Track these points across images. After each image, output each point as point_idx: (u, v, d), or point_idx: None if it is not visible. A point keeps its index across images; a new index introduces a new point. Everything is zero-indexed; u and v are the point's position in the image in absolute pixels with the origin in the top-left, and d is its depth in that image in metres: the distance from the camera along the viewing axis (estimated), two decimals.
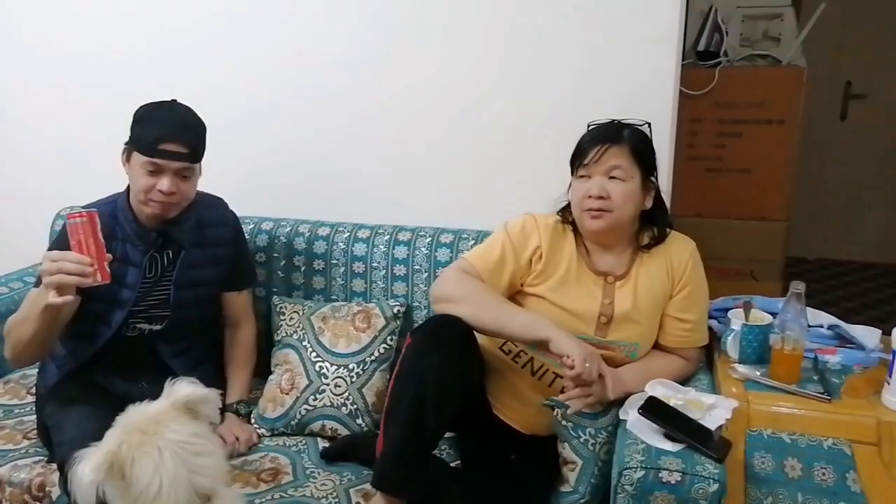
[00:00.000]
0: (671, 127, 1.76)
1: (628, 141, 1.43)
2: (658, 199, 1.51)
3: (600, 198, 1.41)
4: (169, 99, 1.57)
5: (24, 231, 2.19)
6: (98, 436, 1.38)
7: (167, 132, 1.49)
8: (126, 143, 1.57)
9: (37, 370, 1.71)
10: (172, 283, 1.62)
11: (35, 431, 1.64)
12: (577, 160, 1.45)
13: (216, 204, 1.74)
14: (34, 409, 1.68)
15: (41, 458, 1.56)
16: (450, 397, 1.32)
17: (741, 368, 1.43)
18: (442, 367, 1.30)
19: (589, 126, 1.50)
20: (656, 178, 1.49)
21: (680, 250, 1.50)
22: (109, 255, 1.39)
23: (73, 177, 2.17)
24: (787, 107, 2.58)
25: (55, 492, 1.47)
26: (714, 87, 2.56)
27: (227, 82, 2.03)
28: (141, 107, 1.55)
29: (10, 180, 2.32)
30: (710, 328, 1.57)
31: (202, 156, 1.58)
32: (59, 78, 2.19)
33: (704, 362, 1.58)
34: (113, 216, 1.59)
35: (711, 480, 1.17)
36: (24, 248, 2.07)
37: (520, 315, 1.41)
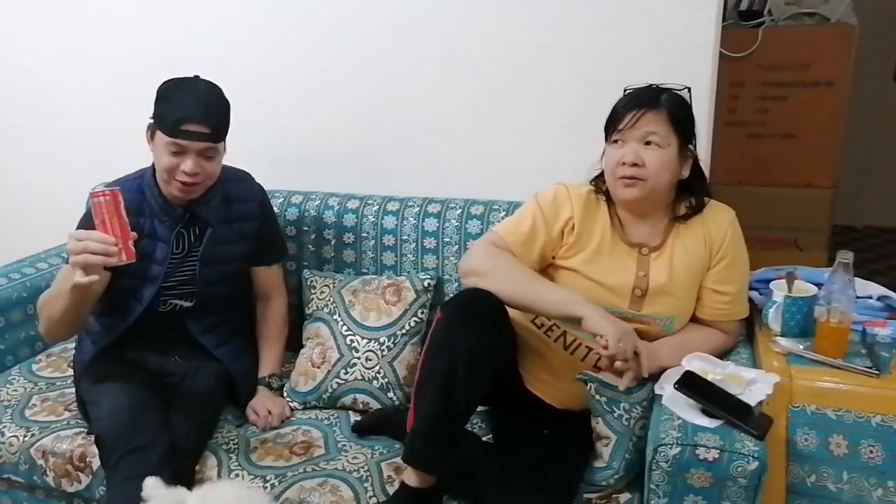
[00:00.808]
0: (710, 91, 1.69)
1: (666, 106, 1.37)
2: (696, 167, 1.44)
3: (634, 165, 1.35)
4: (192, 75, 1.55)
5: (53, 209, 2.19)
6: (130, 411, 1.42)
7: (189, 112, 1.47)
8: (150, 120, 1.56)
9: (74, 345, 1.75)
10: (198, 259, 1.62)
11: (75, 404, 1.67)
12: (612, 125, 1.40)
13: (242, 178, 1.73)
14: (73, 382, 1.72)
15: (82, 429, 1.59)
16: (481, 373, 1.30)
17: (783, 342, 1.38)
18: (473, 342, 1.27)
19: (625, 91, 1.44)
20: (695, 146, 1.43)
21: (718, 220, 1.44)
22: (135, 234, 1.39)
23: (104, 151, 2.18)
24: (836, 68, 2.46)
25: (95, 462, 1.50)
26: (757, 48, 2.46)
27: (258, 55, 2.01)
28: (163, 83, 1.53)
29: (42, 157, 2.34)
30: (750, 300, 1.51)
31: (225, 135, 1.56)
32: (88, 54, 2.19)
33: (745, 335, 1.52)
34: (140, 192, 1.60)
35: (751, 458, 1.13)
36: (58, 225, 2.09)
37: (551, 291, 1.37)
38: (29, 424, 1.63)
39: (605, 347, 1.25)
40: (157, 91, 1.53)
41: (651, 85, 1.42)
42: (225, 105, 1.55)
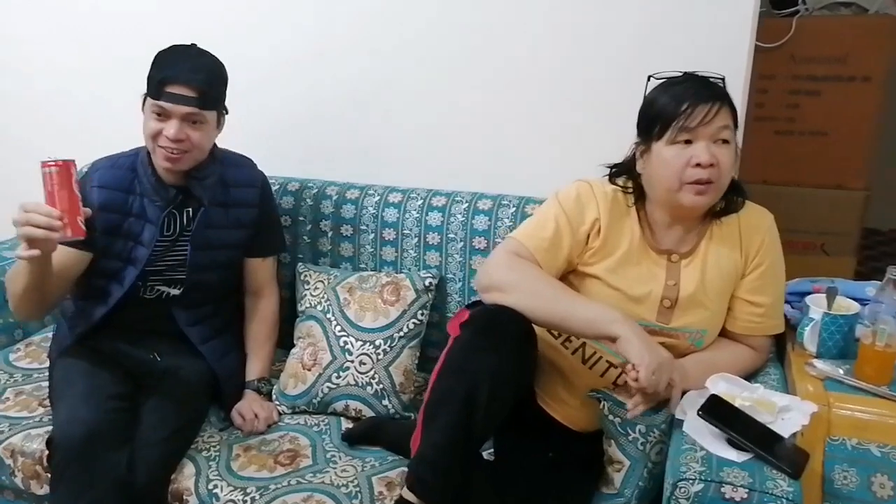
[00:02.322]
0: (745, 83, 1.56)
1: (727, 97, 1.23)
2: None
3: (711, 166, 1.20)
4: (189, 43, 1.48)
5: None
6: (89, 424, 1.33)
7: (175, 74, 1.41)
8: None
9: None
10: (189, 241, 1.53)
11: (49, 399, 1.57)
12: (675, 121, 1.20)
13: (243, 163, 1.64)
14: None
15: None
16: (503, 403, 1.17)
17: (821, 364, 1.24)
18: (498, 370, 1.14)
19: (652, 78, 1.29)
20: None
21: (755, 224, 1.31)
22: (88, 210, 1.30)
23: (96, 131, 2.07)
24: (874, 62, 2.32)
25: None
26: (790, 39, 2.32)
27: (255, 37, 1.90)
28: (160, 51, 1.46)
29: (29, 135, 2.24)
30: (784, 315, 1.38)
31: (215, 103, 1.48)
32: (81, 29, 2.09)
33: (774, 353, 1.39)
34: (132, 169, 1.53)
35: (785, 500, 0.99)
36: None
37: (584, 308, 1.21)
38: None
39: (636, 379, 1.11)
40: (153, 58, 1.47)
41: (687, 73, 1.27)
42: (217, 71, 1.48)
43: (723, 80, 1.28)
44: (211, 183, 1.53)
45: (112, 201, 1.51)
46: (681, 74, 1.27)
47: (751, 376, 1.30)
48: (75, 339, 1.54)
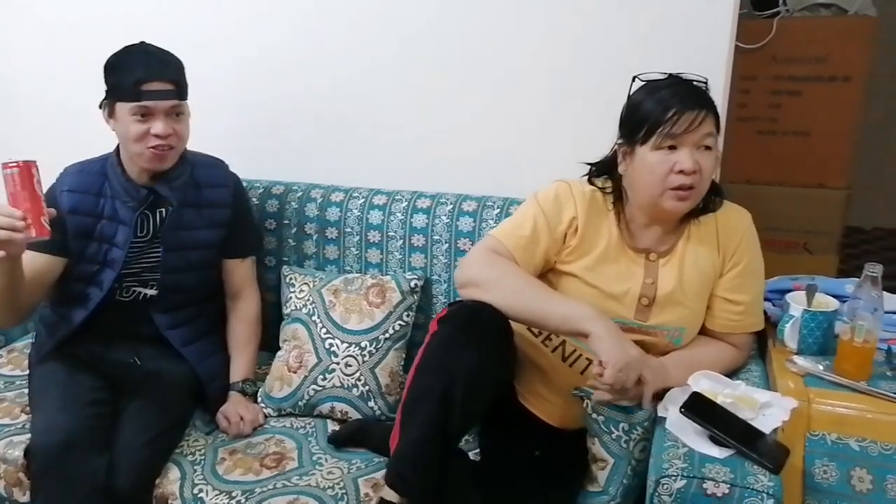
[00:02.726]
0: (725, 84, 1.57)
1: (712, 103, 1.24)
2: None
3: (693, 173, 1.20)
4: (137, 42, 1.48)
5: None
6: (67, 431, 1.33)
7: (148, 72, 1.41)
8: (104, 98, 1.46)
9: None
10: (160, 243, 1.53)
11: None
12: (660, 127, 1.21)
13: (215, 164, 1.64)
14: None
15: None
16: (480, 399, 1.18)
17: (801, 361, 1.26)
18: (476, 366, 1.15)
19: (637, 79, 1.30)
20: None
21: (733, 223, 1.32)
22: (52, 211, 1.30)
23: (69, 140, 2.05)
24: (854, 62, 2.35)
25: None
26: (771, 40, 2.34)
27: (239, 40, 1.89)
28: (111, 56, 1.45)
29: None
30: (763, 313, 1.39)
31: (187, 92, 1.49)
32: (57, 38, 2.07)
33: (756, 351, 1.40)
34: (102, 174, 1.53)
35: (765, 495, 1.00)
36: None
37: (559, 304, 1.23)
38: None
39: (602, 375, 1.13)
40: (105, 66, 1.45)
41: (670, 75, 1.27)
42: (179, 62, 1.49)
43: (706, 82, 1.29)
44: (179, 184, 1.53)
45: (82, 204, 1.51)
46: (665, 76, 1.27)
47: (732, 373, 1.31)
48: (55, 344, 1.53)
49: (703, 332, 1.36)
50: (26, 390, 1.62)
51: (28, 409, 1.56)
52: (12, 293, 1.41)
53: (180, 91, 1.45)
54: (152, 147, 1.44)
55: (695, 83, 1.26)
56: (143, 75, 1.40)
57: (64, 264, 1.51)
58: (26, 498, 1.43)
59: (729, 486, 1.02)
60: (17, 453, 1.44)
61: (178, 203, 1.53)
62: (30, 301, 1.49)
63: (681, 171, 1.20)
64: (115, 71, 1.43)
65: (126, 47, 1.46)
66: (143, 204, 1.51)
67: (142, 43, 1.47)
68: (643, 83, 1.29)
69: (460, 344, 1.17)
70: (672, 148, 1.21)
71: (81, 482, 1.28)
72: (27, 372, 1.70)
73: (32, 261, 1.39)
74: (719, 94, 1.53)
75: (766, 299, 1.42)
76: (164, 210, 1.54)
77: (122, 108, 1.43)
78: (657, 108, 1.22)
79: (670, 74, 1.27)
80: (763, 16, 2.40)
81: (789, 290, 1.41)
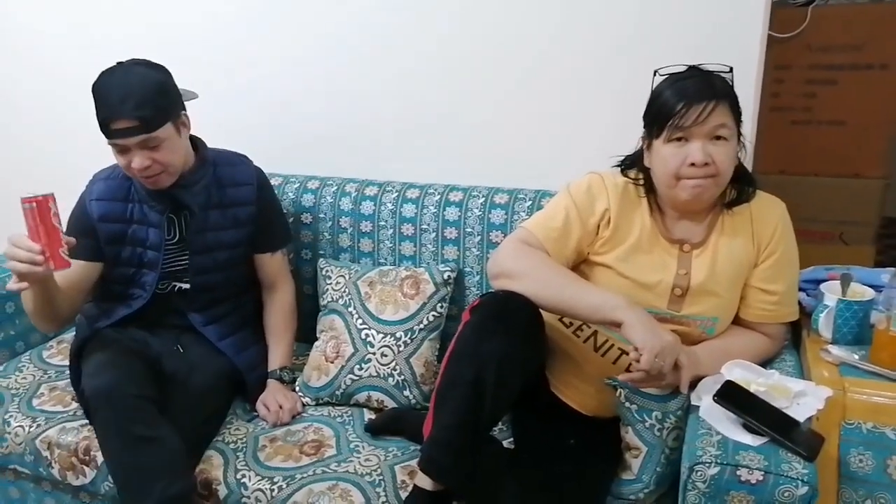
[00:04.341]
0: (757, 73, 1.56)
1: (728, 93, 1.24)
2: None
3: (705, 165, 1.21)
4: (125, 61, 1.46)
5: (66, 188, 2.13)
6: (121, 367, 1.42)
7: (111, 111, 1.39)
8: None
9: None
10: (187, 248, 1.57)
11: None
12: (668, 121, 1.22)
13: (237, 161, 1.65)
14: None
15: (87, 420, 1.53)
16: (511, 386, 1.20)
17: (836, 350, 1.26)
18: (505, 352, 1.17)
19: (657, 73, 1.30)
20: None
21: (767, 213, 1.32)
22: (72, 240, 1.33)
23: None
24: (891, 50, 2.30)
25: (100, 456, 1.44)
26: (805, 28, 2.30)
27: (279, 32, 1.91)
28: (94, 83, 1.43)
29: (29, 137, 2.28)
30: (798, 303, 1.39)
31: (162, 120, 1.42)
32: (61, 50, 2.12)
33: (790, 341, 1.40)
34: (127, 178, 1.55)
35: (800, 482, 1.01)
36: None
37: (590, 294, 1.24)
38: (35, 414, 1.58)
39: (637, 361, 1.14)
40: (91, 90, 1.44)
41: (690, 67, 1.28)
42: (148, 89, 1.40)
43: (730, 71, 1.29)
44: (199, 189, 1.55)
45: (111, 212, 1.55)
46: (685, 68, 1.28)
47: (766, 363, 1.31)
48: (94, 334, 1.57)
49: (737, 321, 1.36)
50: None
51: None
52: (50, 305, 1.47)
53: (148, 124, 1.39)
54: (140, 177, 1.46)
55: (714, 74, 1.26)
56: (107, 114, 1.39)
57: (99, 269, 1.55)
58: (79, 481, 1.49)
59: (763, 472, 1.03)
60: (70, 438, 1.50)
61: (201, 206, 1.55)
62: (69, 307, 1.54)
63: (692, 164, 1.21)
64: (95, 102, 1.42)
65: (105, 72, 1.42)
66: (169, 207, 1.55)
67: (116, 66, 1.43)
68: (666, 76, 1.29)
69: (490, 331, 1.20)
70: (684, 140, 1.23)
71: (147, 403, 1.36)
72: None
73: (66, 271, 1.39)
74: (751, 85, 1.53)
75: (800, 289, 1.41)
76: (188, 213, 1.56)
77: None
78: (669, 101, 1.23)
79: (690, 66, 1.28)
80: (797, 3, 2.36)
81: (824, 280, 1.41)
